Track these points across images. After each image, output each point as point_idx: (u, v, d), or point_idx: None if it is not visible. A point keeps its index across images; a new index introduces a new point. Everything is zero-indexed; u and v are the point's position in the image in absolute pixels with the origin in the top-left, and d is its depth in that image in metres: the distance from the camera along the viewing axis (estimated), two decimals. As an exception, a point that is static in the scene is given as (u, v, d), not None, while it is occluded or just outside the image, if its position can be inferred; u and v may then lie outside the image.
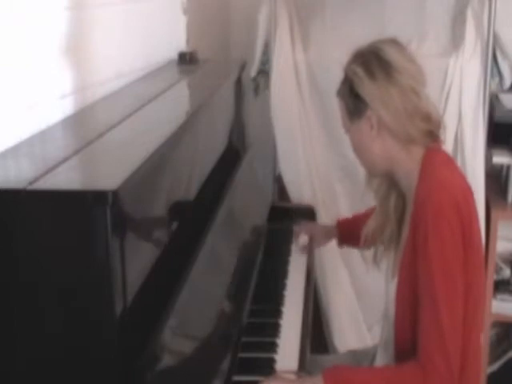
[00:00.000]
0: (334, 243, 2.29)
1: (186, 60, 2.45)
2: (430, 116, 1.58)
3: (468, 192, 1.57)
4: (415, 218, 1.52)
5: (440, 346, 1.45)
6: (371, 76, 1.55)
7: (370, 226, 1.76)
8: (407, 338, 1.55)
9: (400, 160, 1.59)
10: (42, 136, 1.48)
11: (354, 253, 2.71)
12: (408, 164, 1.59)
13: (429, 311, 1.47)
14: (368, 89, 1.56)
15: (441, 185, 1.51)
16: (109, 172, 1.27)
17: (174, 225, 1.48)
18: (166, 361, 1.26)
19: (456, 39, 2.56)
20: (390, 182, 1.68)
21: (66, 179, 1.21)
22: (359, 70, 1.57)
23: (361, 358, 1.90)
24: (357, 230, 1.87)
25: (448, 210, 1.47)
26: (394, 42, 1.61)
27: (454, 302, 1.48)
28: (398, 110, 1.55)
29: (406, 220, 1.62)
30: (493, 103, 2.64)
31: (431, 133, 1.59)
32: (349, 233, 2.12)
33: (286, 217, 2.50)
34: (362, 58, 1.59)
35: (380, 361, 1.75)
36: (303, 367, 1.67)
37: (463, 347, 1.49)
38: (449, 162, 1.63)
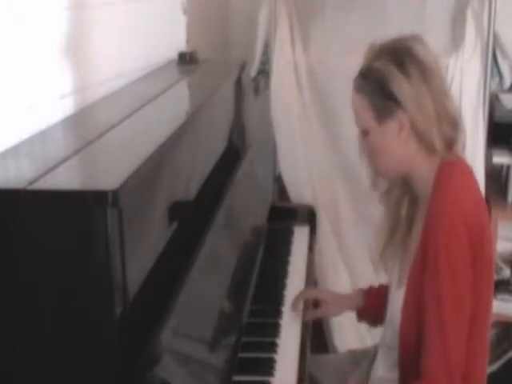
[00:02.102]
0: (332, 242, 2.26)
1: (186, 60, 2.45)
2: (456, 120, 1.56)
3: (481, 207, 1.55)
4: (426, 232, 1.51)
5: (446, 372, 1.45)
6: (407, 75, 1.48)
7: (380, 234, 1.72)
8: (412, 345, 1.55)
9: (418, 165, 1.56)
10: (42, 136, 1.48)
11: (354, 253, 2.72)
12: (426, 170, 1.55)
13: (436, 336, 1.47)
14: (403, 89, 1.49)
15: (454, 201, 1.49)
16: (109, 172, 1.27)
17: (174, 225, 1.48)
18: (166, 361, 1.26)
19: (456, 39, 2.56)
20: (403, 188, 1.64)
21: (66, 179, 1.21)
22: (393, 68, 1.49)
23: (361, 358, 1.90)
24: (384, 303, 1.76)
25: (459, 229, 1.46)
26: (419, 39, 1.55)
27: (461, 327, 1.48)
28: (430, 113, 1.50)
29: (416, 228, 1.60)
30: (493, 103, 2.64)
31: (453, 140, 1.56)
32: (377, 306, 1.84)
33: (285, 217, 2.50)
34: (393, 56, 1.51)
35: (382, 364, 1.75)
36: (303, 367, 1.67)
37: (467, 360, 1.49)
38: (465, 172, 1.59)
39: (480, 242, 1.49)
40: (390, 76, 1.49)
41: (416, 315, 1.53)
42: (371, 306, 1.88)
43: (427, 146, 1.53)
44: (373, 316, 1.89)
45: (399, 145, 1.54)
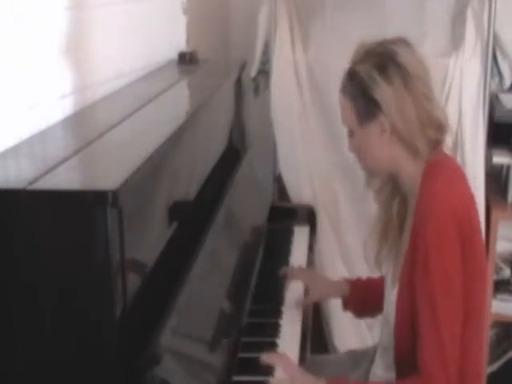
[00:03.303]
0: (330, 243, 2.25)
1: (186, 60, 2.45)
2: (441, 124, 1.56)
3: (470, 204, 1.56)
4: (415, 231, 1.52)
5: (442, 364, 1.46)
6: (388, 81, 1.50)
7: (373, 233, 1.72)
8: (407, 346, 1.55)
9: (405, 166, 1.57)
10: (42, 136, 1.48)
11: (353, 253, 2.71)
12: (413, 170, 1.56)
13: (430, 331, 1.48)
14: (385, 94, 1.50)
15: (442, 199, 1.49)
16: (109, 172, 1.27)
17: (174, 225, 1.48)
18: (166, 361, 1.26)
19: (456, 39, 2.56)
20: (393, 186, 1.65)
21: (66, 179, 1.21)
22: (375, 74, 1.50)
23: (361, 358, 1.90)
24: (371, 295, 1.79)
25: (448, 227, 1.46)
26: (405, 42, 1.56)
27: (454, 318, 1.48)
28: (411, 118, 1.51)
29: (407, 228, 1.60)
30: (493, 103, 2.64)
31: (438, 142, 1.57)
32: (362, 297, 1.90)
33: (285, 217, 2.50)
34: (376, 60, 1.52)
35: (379, 365, 1.75)
36: (303, 367, 1.67)
37: (463, 355, 1.50)
38: (452, 169, 1.60)
39: (470, 238, 1.50)
40: (372, 81, 1.51)
41: (410, 314, 1.53)
42: (355, 297, 1.90)
43: (411, 148, 1.55)
44: (357, 307, 1.92)
45: (382, 146, 1.56)
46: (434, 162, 1.56)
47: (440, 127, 1.56)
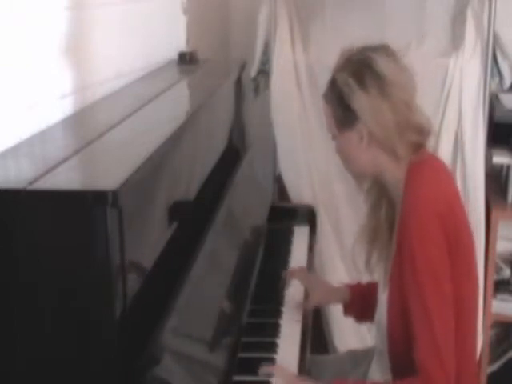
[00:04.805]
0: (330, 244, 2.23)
1: (186, 60, 2.46)
2: (422, 128, 1.56)
3: (454, 201, 1.56)
4: (400, 232, 1.53)
5: (438, 362, 1.46)
6: (364, 88, 1.51)
7: (362, 233, 1.72)
8: (401, 348, 1.56)
9: (388, 169, 1.58)
10: (42, 136, 1.48)
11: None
12: (397, 174, 1.57)
13: (423, 330, 1.48)
14: (360, 102, 1.52)
15: (425, 199, 1.50)
16: (109, 172, 1.27)
17: (174, 225, 1.48)
18: (166, 361, 1.26)
19: (456, 39, 2.56)
20: (380, 189, 1.66)
21: (66, 179, 1.21)
22: (351, 81, 1.52)
23: (361, 358, 1.90)
24: (371, 300, 1.78)
25: (432, 226, 1.47)
26: (385, 49, 1.57)
27: (446, 316, 1.49)
28: (389, 124, 1.52)
29: (396, 231, 1.61)
30: (493, 103, 2.64)
31: (420, 145, 1.57)
32: (362, 302, 1.89)
33: (285, 217, 2.50)
34: (354, 67, 1.54)
35: (377, 368, 1.75)
36: (303, 367, 1.67)
37: (458, 355, 1.50)
38: (436, 168, 1.60)
39: (456, 236, 1.51)
40: (349, 90, 1.53)
41: (401, 316, 1.53)
42: (356, 302, 1.90)
43: (391, 152, 1.55)
44: (357, 312, 1.92)
45: (362, 151, 1.57)
46: (417, 162, 1.56)
47: (421, 131, 1.56)
